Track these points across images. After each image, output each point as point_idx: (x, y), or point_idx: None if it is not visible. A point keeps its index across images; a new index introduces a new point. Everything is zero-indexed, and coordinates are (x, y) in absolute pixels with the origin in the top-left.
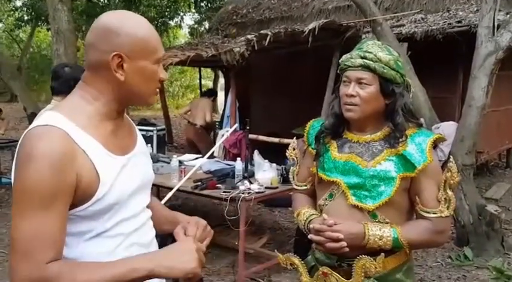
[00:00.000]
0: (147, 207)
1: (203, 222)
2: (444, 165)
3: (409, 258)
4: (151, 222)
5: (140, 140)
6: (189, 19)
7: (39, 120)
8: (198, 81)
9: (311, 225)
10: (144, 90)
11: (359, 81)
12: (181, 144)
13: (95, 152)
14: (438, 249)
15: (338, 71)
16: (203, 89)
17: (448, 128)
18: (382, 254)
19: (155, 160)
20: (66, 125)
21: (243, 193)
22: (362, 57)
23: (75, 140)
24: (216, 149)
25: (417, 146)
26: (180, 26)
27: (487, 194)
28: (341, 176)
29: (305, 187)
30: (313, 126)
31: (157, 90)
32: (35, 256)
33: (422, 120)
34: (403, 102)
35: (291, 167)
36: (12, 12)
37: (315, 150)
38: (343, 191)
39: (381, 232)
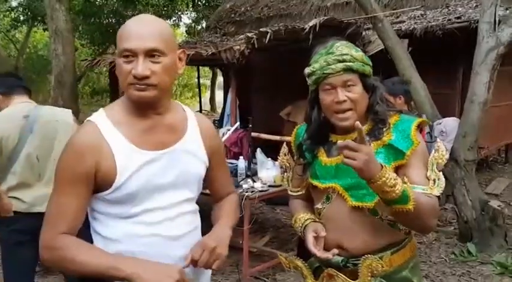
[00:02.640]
0: (191, 203)
1: (211, 244)
2: (446, 162)
3: (414, 254)
4: (189, 217)
5: (191, 139)
6: (186, 18)
7: (92, 115)
8: (195, 80)
9: (308, 235)
10: (121, 85)
11: (345, 85)
12: None
13: (119, 145)
14: (442, 245)
15: (310, 82)
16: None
17: (450, 124)
18: (388, 252)
19: None
20: (102, 120)
21: (246, 192)
22: (341, 61)
23: (103, 133)
24: None
25: (402, 133)
26: (177, 25)
27: (488, 190)
28: (335, 180)
29: (300, 192)
30: (299, 135)
31: (135, 85)
32: (52, 227)
33: (424, 116)
34: (380, 93)
35: (285, 173)
36: (8, 12)
37: (303, 162)
38: (340, 193)
39: (395, 174)
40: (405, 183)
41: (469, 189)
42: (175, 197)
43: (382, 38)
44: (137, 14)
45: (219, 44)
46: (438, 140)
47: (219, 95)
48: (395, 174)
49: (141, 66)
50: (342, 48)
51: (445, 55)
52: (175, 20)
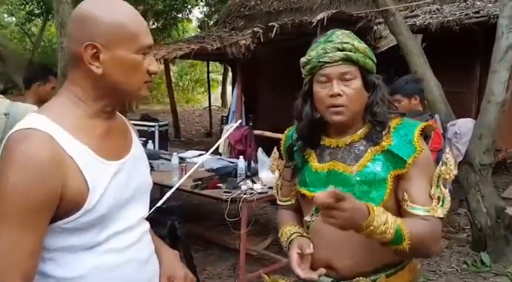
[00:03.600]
0: (144, 219)
1: (180, 273)
2: (460, 165)
3: (415, 277)
4: (149, 236)
5: (136, 143)
6: (198, 12)
7: (22, 122)
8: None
9: (292, 252)
10: (128, 83)
11: (342, 78)
12: (188, 139)
13: (84, 157)
14: (453, 254)
15: (305, 72)
16: (211, 83)
17: (465, 125)
18: (382, 274)
19: (156, 157)
20: (51, 127)
21: (244, 193)
22: (341, 50)
23: (61, 144)
24: (221, 145)
25: (403, 137)
26: (188, 19)
27: (505, 194)
28: (325, 189)
29: (289, 202)
30: (288, 137)
31: (148, 83)
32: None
33: (437, 116)
34: (382, 94)
35: (274, 180)
36: (22, 5)
37: (291, 166)
38: None
39: (385, 215)
40: (405, 200)
41: (484, 195)
42: (139, 212)
43: (394, 33)
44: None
45: (225, 38)
46: (447, 150)
47: (230, 90)
48: (385, 216)
49: (154, 65)
50: (343, 36)
51: (461, 52)
52: (186, 14)
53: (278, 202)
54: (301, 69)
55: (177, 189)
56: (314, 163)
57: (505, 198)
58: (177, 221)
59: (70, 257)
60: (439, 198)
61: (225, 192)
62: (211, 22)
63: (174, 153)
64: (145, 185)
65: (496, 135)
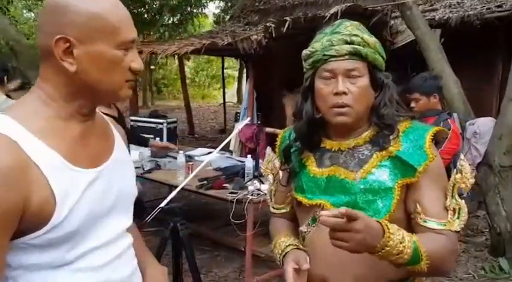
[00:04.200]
0: (128, 231)
1: None
2: (478, 166)
3: None
4: (132, 251)
5: (120, 146)
6: (214, 7)
7: None
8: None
9: (287, 267)
10: (106, 82)
11: (348, 74)
12: (202, 136)
13: (51, 165)
14: (470, 259)
15: (307, 66)
16: (227, 79)
17: (484, 125)
18: None
19: (163, 155)
20: (15, 130)
21: (251, 194)
22: (349, 42)
23: (25, 149)
24: (231, 142)
25: (413, 142)
26: (203, 14)
27: None
28: (326, 197)
29: (284, 210)
30: (285, 138)
31: (130, 82)
32: None
33: (455, 115)
34: (390, 94)
35: (267, 185)
36: (40, 1)
37: (288, 170)
38: None
39: (401, 233)
40: (418, 213)
41: (504, 198)
42: (119, 225)
43: (411, 28)
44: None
45: (238, 33)
46: (462, 156)
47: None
48: (400, 234)
49: (137, 62)
50: (352, 28)
51: (482, 47)
52: (201, 9)
53: (271, 209)
54: (303, 63)
55: (183, 188)
56: (312, 168)
57: None
58: (179, 222)
59: (36, 276)
60: (454, 210)
61: (231, 192)
62: (228, 17)
63: (181, 152)
64: (128, 194)
65: None
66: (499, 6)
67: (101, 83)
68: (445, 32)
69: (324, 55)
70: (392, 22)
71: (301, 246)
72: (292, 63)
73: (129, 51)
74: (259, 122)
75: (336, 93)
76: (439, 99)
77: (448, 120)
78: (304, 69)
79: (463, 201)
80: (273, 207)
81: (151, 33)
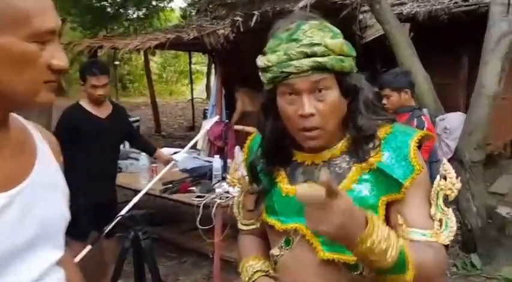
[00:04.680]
0: (59, 264)
1: None
2: (449, 162)
3: None
4: None
5: (44, 162)
6: (181, 1)
7: None
8: (192, 66)
9: None
10: (16, 83)
11: (313, 89)
12: (170, 134)
13: None
14: None
15: (264, 79)
16: (196, 75)
17: (454, 120)
18: None
19: (124, 157)
20: None
21: (219, 198)
22: (310, 55)
23: None
24: (199, 141)
25: (396, 151)
26: (169, 8)
27: (493, 188)
28: (300, 219)
29: (253, 226)
30: (252, 148)
31: (50, 83)
32: None
33: (425, 110)
34: (365, 97)
35: (235, 197)
36: None
37: (257, 190)
38: (306, 238)
39: (387, 229)
40: (400, 224)
41: (474, 194)
42: (44, 259)
43: (380, 22)
44: None
45: (204, 27)
46: (445, 160)
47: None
48: (386, 230)
49: (59, 58)
50: (313, 32)
51: (450, 42)
52: (167, 2)
53: (239, 226)
54: (259, 73)
55: (146, 193)
56: (284, 185)
57: (493, 193)
58: (141, 231)
59: None
60: (441, 220)
61: (197, 196)
62: (194, 11)
63: (143, 154)
64: (55, 220)
65: (487, 131)
66: (465, 1)
67: (9, 85)
68: (413, 26)
69: (283, 72)
70: (361, 16)
71: (271, 272)
72: None
73: (48, 45)
74: (227, 120)
75: (302, 115)
76: (410, 95)
77: (422, 117)
78: (262, 81)
79: (450, 209)
80: (242, 223)
81: (115, 27)
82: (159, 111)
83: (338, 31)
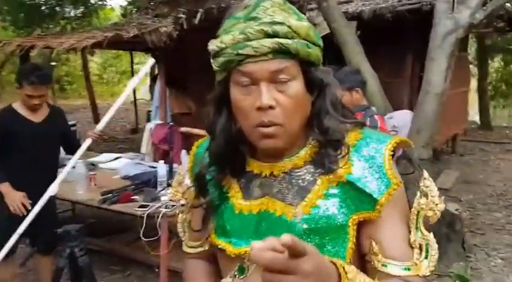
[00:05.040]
0: None
1: None
2: (398, 160)
3: None
4: None
5: None
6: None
7: None
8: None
9: None
10: None
11: (274, 78)
12: (112, 137)
13: None
14: None
15: (216, 65)
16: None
17: (402, 118)
18: None
19: (60, 165)
20: None
21: (165, 207)
22: (271, 35)
23: None
24: (143, 144)
25: (368, 161)
26: (108, 7)
27: (437, 184)
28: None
29: (201, 248)
30: (199, 156)
31: None
32: None
33: (374, 109)
34: (332, 96)
35: (179, 214)
36: None
37: (204, 203)
38: None
39: (362, 278)
40: (375, 254)
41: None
42: None
43: (327, 20)
44: None
45: (145, 25)
46: (425, 174)
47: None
48: (362, 278)
49: None
50: (274, 11)
51: (394, 41)
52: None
53: (184, 248)
54: (211, 60)
55: (84, 203)
56: (237, 200)
57: (438, 189)
58: (77, 247)
59: None
60: (421, 246)
61: (141, 206)
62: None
63: (79, 160)
64: None
65: (435, 128)
66: None
67: None
68: (359, 25)
69: (238, 54)
70: (308, 14)
71: None
72: (208, 57)
73: None
74: (171, 123)
75: (260, 108)
76: (362, 94)
77: (375, 116)
78: (214, 69)
79: (431, 235)
80: (188, 246)
81: (51, 26)
82: (100, 114)
83: (303, 16)
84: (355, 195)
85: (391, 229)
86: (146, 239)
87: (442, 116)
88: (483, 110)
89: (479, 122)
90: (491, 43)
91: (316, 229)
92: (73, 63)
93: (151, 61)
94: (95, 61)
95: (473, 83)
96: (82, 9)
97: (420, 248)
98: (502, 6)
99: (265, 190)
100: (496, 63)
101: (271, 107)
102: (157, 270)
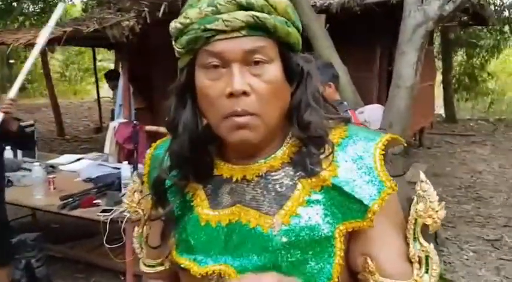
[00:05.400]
0: None
1: None
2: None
3: None
4: None
5: None
6: None
7: None
8: (98, 63)
9: None
10: None
11: (248, 60)
12: (75, 137)
13: None
14: None
15: (180, 47)
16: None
17: (374, 113)
18: None
19: (15, 168)
20: None
21: (129, 211)
22: (245, 7)
23: None
24: (107, 144)
25: (356, 162)
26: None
27: (407, 178)
28: (227, 259)
29: (161, 268)
30: (156, 159)
31: None
32: None
33: (345, 103)
34: (314, 87)
35: (135, 228)
36: None
37: (163, 214)
38: None
39: None
40: (370, 272)
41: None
42: None
43: (297, 13)
44: None
45: (105, 19)
46: (422, 175)
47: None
48: None
49: None
50: None
51: (362, 34)
52: None
53: (141, 268)
54: (173, 44)
55: (42, 209)
56: (203, 210)
57: (408, 182)
58: (34, 257)
59: None
60: (420, 259)
61: (103, 211)
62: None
63: (36, 163)
64: None
65: (407, 122)
66: None
67: None
68: (327, 18)
69: (206, 30)
70: None
71: None
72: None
73: None
74: (135, 121)
75: (231, 94)
76: (335, 89)
77: (348, 111)
78: (177, 54)
79: (432, 245)
80: (145, 264)
81: (8, 23)
82: (63, 113)
83: None
84: (342, 201)
85: (386, 242)
86: (110, 246)
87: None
88: (448, 103)
89: (444, 115)
90: (454, 37)
91: (297, 242)
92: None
93: (61, 5)
94: (56, 58)
95: (438, 77)
96: (41, 5)
97: (419, 261)
98: None
99: (237, 197)
100: (459, 56)
101: (245, 93)
102: (123, 278)
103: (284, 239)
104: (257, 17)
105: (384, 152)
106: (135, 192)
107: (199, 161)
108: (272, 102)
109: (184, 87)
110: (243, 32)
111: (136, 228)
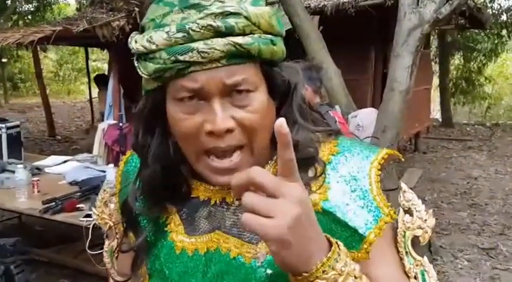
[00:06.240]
0: None
1: None
2: None
3: None
4: None
5: None
6: None
7: None
8: (92, 63)
9: None
10: None
11: (230, 91)
12: (66, 137)
13: None
14: None
15: (145, 73)
16: (97, 72)
17: (367, 117)
18: None
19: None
20: None
21: None
22: (223, 33)
23: None
24: (95, 146)
25: (349, 183)
26: (60, 1)
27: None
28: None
29: None
30: (129, 175)
31: None
32: None
33: (337, 107)
34: (299, 98)
35: (106, 241)
36: None
37: (137, 242)
38: None
39: (353, 265)
40: None
41: (389, 194)
42: None
43: (289, 14)
44: None
45: (95, 18)
46: (404, 185)
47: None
48: (353, 265)
49: None
50: None
51: (357, 36)
52: None
53: None
54: (135, 63)
55: (25, 213)
56: (178, 236)
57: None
58: (13, 263)
59: None
60: (416, 275)
61: (87, 215)
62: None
63: (20, 166)
64: None
65: (401, 126)
66: None
67: None
68: (322, 20)
69: (177, 61)
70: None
71: None
72: None
73: None
74: (121, 123)
75: (211, 133)
76: (312, 91)
77: (330, 112)
78: (141, 74)
79: (425, 258)
80: (115, 280)
81: (2, 21)
82: (55, 113)
83: None
84: (334, 229)
85: (384, 261)
86: (92, 252)
87: (406, 113)
88: (444, 108)
89: (440, 119)
90: (451, 40)
91: (284, 275)
92: (27, 60)
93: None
94: (50, 58)
95: (435, 80)
96: (35, 4)
97: (416, 277)
98: (466, 1)
99: (215, 223)
100: (456, 60)
101: (229, 131)
102: None
103: (269, 271)
104: (239, 45)
105: (380, 172)
106: (105, 202)
107: (173, 186)
108: (260, 130)
109: (151, 113)
110: (223, 62)
111: (106, 242)
